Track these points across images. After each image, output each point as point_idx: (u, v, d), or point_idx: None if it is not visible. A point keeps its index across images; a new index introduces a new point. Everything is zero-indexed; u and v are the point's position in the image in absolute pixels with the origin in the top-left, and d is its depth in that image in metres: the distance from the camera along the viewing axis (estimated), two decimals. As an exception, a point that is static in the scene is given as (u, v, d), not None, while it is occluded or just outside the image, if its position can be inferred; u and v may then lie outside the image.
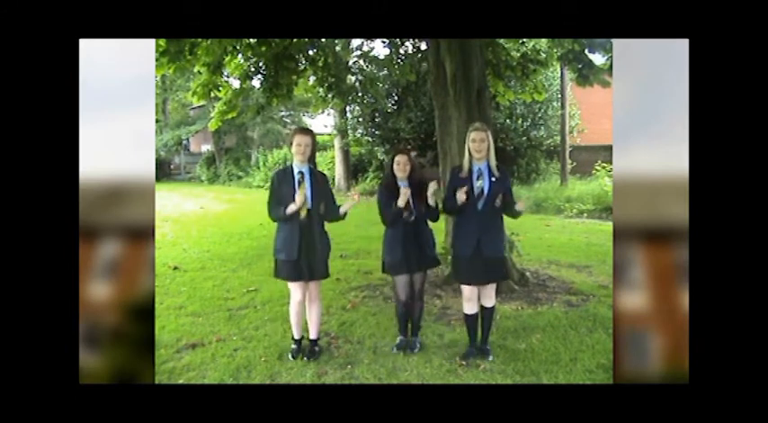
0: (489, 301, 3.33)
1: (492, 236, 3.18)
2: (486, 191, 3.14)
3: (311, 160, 3.25)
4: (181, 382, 3.06)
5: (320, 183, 3.26)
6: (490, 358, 3.29)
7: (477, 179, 3.16)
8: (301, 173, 3.21)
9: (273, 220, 3.31)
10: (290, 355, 3.35)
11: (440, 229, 4.40)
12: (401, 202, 3.21)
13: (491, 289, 3.31)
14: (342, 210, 3.33)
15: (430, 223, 3.44)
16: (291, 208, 3.13)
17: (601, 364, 3.16)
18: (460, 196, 3.08)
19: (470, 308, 3.32)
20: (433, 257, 3.44)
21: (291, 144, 3.24)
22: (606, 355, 3.25)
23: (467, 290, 3.29)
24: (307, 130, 3.33)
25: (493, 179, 3.15)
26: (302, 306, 3.33)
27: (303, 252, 3.18)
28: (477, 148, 3.12)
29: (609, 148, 12.31)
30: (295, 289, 3.30)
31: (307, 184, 3.19)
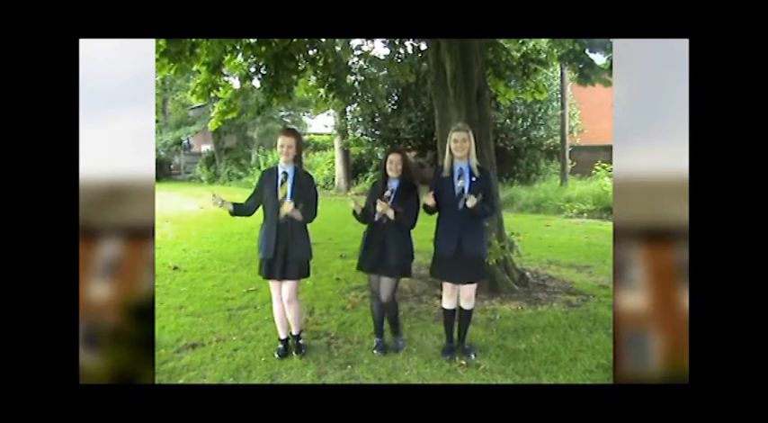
0: (468, 304, 3.35)
1: (473, 235, 3.20)
2: (466, 191, 3.16)
3: (297, 160, 3.27)
4: (181, 382, 3.06)
5: (303, 185, 3.26)
6: (472, 357, 3.31)
7: (458, 179, 3.19)
8: (285, 173, 3.24)
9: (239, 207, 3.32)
10: (276, 355, 3.38)
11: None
12: (356, 213, 3.30)
13: (471, 290, 3.32)
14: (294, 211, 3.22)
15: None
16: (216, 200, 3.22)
17: (601, 364, 3.17)
18: (429, 201, 3.17)
19: (450, 303, 3.36)
20: (396, 265, 3.27)
21: (277, 145, 3.28)
22: (606, 355, 3.25)
23: (448, 286, 3.34)
24: (290, 131, 3.34)
25: (473, 179, 3.18)
26: (281, 304, 3.37)
27: (280, 251, 3.20)
28: (459, 147, 3.16)
29: (609, 148, 12.31)
30: (272, 287, 3.36)
31: (289, 184, 3.22)
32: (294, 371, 3.18)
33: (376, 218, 3.28)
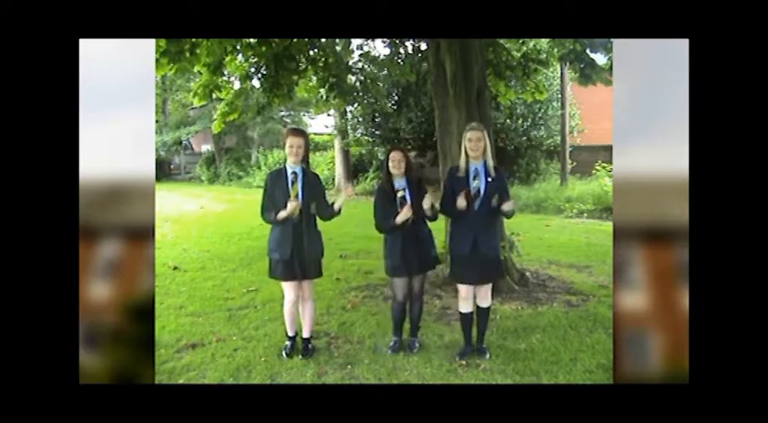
0: (485, 302, 3.34)
1: (489, 235, 3.18)
2: (482, 191, 3.15)
3: (305, 161, 3.27)
4: (181, 382, 3.06)
5: (312, 183, 3.29)
6: (487, 357, 3.30)
7: (474, 179, 3.17)
8: (294, 173, 3.24)
9: (266, 222, 3.33)
10: (283, 353, 3.39)
11: (440, 229, 4.40)
12: (400, 220, 3.20)
13: (487, 289, 3.32)
14: (336, 206, 3.32)
15: (429, 223, 3.42)
16: (282, 214, 3.16)
17: (601, 364, 3.17)
18: (461, 202, 3.08)
19: (466, 307, 3.34)
20: (433, 258, 3.43)
21: (284, 145, 3.26)
22: (606, 355, 3.25)
23: (463, 289, 3.31)
24: (299, 131, 3.35)
25: (489, 179, 3.16)
26: (295, 306, 3.37)
27: (296, 251, 3.20)
28: (474, 147, 3.13)
29: (609, 148, 12.29)
30: (288, 289, 3.33)
31: (299, 184, 3.22)
32: (294, 371, 3.18)
33: (399, 221, 3.22)
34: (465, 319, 3.38)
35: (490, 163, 3.19)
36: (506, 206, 3.13)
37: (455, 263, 3.30)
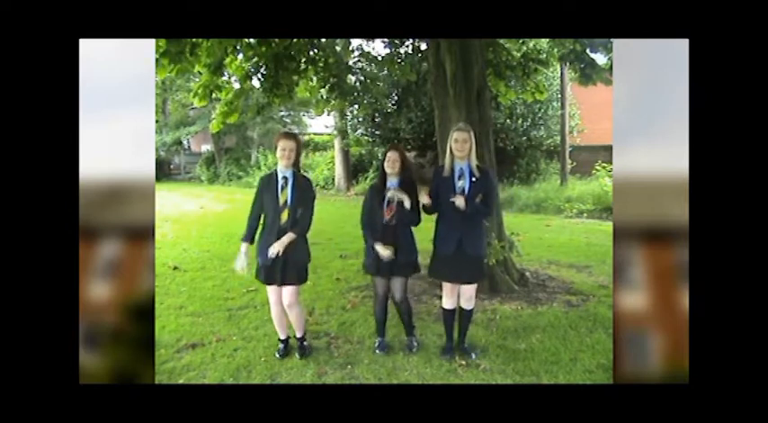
0: (468, 304, 3.35)
1: (473, 235, 3.21)
2: (466, 190, 3.18)
3: (296, 164, 3.25)
4: (181, 382, 3.06)
5: (302, 188, 3.25)
6: (473, 357, 3.32)
7: (459, 179, 3.20)
8: (285, 178, 3.22)
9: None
10: (276, 354, 3.39)
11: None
12: (383, 254, 3.23)
13: (471, 290, 3.33)
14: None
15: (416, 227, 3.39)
16: (240, 260, 3.34)
17: (601, 364, 3.17)
18: (424, 200, 3.22)
19: (450, 304, 3.37)
20: (410, 263, 3.35)
21: (276, 148, 3.25)
22: (606, 355, 3.25)
23: (448, 286, 3.34)
24: (291, 135, 3.32)
25: (473, 179, 3.19)
26: (280, 308, 3.35)
27: (278, 257, 3.18)
28: (459, 147, 3.17)
29: (609, 148, 12.31)
30: (270, 292, 3.34)
31: (289, 189, 3.20)
32: (294, 371, 3.18)
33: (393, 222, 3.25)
34: (447, 315, 3.41)
35: (474, 163, 3.22)
36: (458, 201, 3.11)
37: (438, 261, 3.30)
